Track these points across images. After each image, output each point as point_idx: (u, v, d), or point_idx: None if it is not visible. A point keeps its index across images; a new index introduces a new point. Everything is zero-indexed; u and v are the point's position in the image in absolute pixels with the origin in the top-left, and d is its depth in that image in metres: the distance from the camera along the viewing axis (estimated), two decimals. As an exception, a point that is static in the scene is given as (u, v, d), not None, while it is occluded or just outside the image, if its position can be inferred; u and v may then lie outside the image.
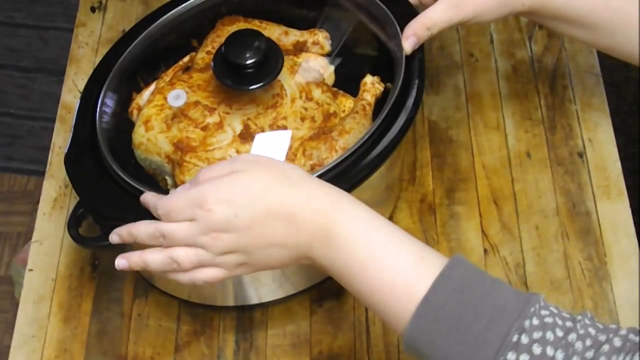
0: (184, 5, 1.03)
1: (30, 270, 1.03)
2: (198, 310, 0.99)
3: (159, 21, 1.02)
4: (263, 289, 0.97)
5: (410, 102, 0.92)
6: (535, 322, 0.69)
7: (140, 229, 0.81)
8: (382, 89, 0.97)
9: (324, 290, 0.99)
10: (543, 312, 0.70)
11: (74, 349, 0.97)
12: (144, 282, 1.00)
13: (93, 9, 1.24)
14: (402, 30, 0.96)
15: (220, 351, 0.96)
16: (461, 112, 1.11)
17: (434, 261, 0.74)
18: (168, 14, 1.03)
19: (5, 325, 1.78)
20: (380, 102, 0.96)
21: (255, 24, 1.02)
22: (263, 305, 0.98)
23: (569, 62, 1.14)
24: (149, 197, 0.84)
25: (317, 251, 0.77)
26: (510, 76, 1.14)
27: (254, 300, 0.97)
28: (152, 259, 0.80)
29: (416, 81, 0.93)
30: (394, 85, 0.94)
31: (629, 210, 1.02)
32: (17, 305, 1.01)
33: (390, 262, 0.75)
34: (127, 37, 1.02)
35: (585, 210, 1.02)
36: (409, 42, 0.95)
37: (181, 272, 0.80)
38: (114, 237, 0.83)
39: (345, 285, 0.77)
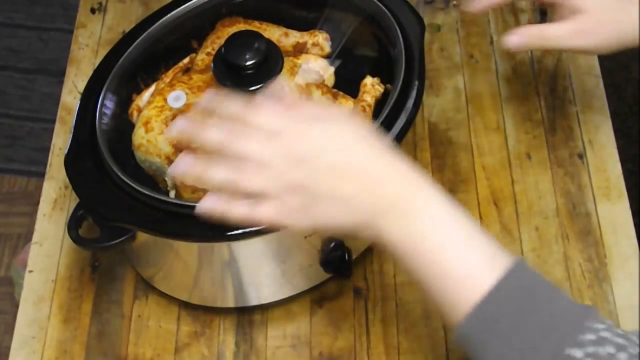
0: (184, 6, 1.03)
1: (30, 271, 1.03)
2: (198, 312, 0.99)
3: (159, 22, 1.02)
4: (263, 290, 0.97)
5: (410, 103, 0.92)
6: (591, 336, 0.68)
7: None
8: (382, 90, 0.97)
9: (324, 292, 0.99)
10: (599, 326, 0.69)
11: (74, 350, 0.97)
12: (144, 283, 1.00)
13: (93, 10, 1.24)
14: (402, 31, 0.95)
15: (221, 352, 0.96)
16: (461, 114, 1.11)
17: (502, 259, 0.72)
18: (168, 15, 1.03)
19: (5, 327, 1.77)
20: (380, 103, 0.96)
21: (255, 25, 1.02)
22: (263, 307, 0.98)
23: (569, 64, 1.14)
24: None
25: (387, 222, 0.74)
26: (511, 77, 1.14)
27: (254, 301, 0.97)
28: (215, 171, 0.75)
29: (416, 82, 0.93)
30: (393, 86, 0.94)
31: (629, 212, 1.02)
32: (17, 306, 1.01)
33: (462, 253, 0.73)
34: (127, 39, 1.02)
35: (585, 212, 1.02)
36: (515, 38, 0.93)
37: (241, 193, 0.74)
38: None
39: (404, 263, 0.74)
